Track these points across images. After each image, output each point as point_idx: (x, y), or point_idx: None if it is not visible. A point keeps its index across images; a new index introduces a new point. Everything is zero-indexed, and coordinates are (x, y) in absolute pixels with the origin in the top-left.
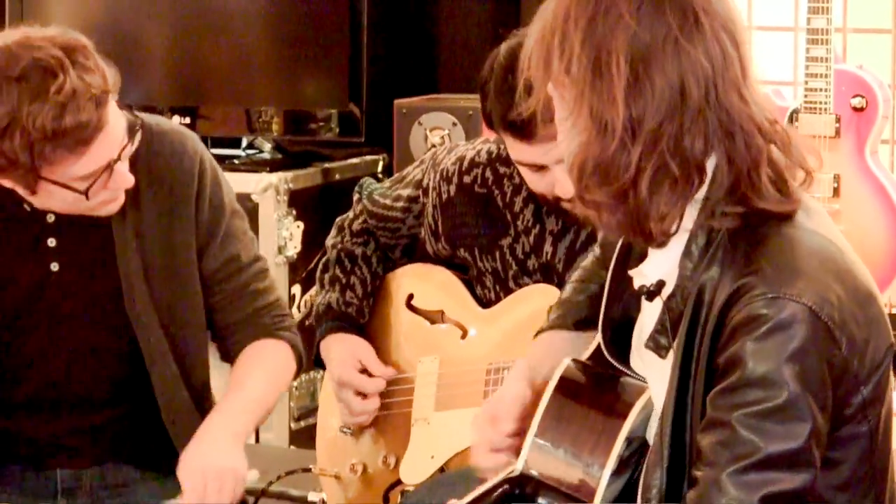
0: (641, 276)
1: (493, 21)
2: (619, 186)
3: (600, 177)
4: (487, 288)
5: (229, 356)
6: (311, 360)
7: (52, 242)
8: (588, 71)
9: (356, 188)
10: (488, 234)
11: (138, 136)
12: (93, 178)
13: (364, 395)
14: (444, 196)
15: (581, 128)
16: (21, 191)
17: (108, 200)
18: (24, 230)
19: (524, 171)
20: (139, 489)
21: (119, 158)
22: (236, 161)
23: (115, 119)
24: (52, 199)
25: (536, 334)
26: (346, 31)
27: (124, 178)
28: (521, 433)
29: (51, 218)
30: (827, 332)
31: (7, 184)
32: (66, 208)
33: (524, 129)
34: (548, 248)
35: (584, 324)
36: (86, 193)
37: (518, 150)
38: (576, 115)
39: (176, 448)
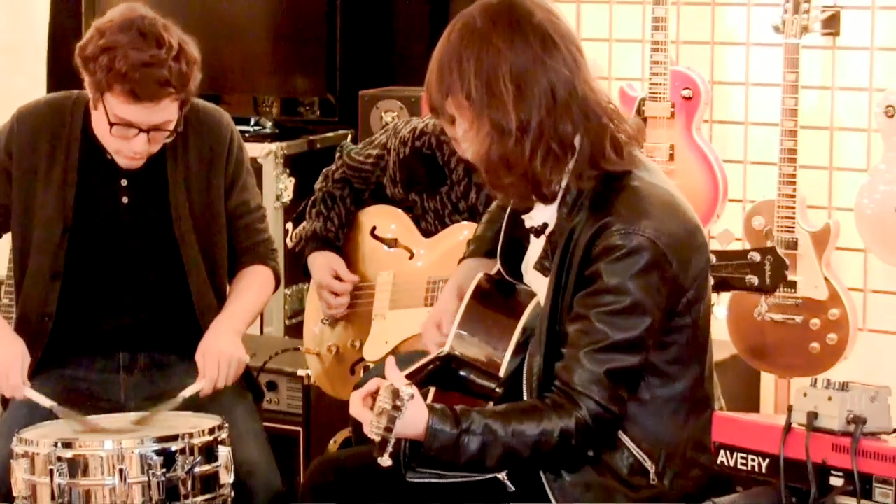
0: (531, 219)
1: (431, 34)
2: (521, 169)
3: (506, 166)
4: (429, 222)
5: (231, 273)
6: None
7: (123, 182)
8: (484, 93)
9: (338, 148)
10: (432, 183)
11: (171, 138)
12: (122, 124)
13: (336, 294)
14: (402, 155)
15: (484, 134)
16: (91, 98)
17: (128, 156)
18: (104, 172)
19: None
20: (177, 367)
21: (147, 131)
22: (247, 135)
23: (170, 111)
24: (98, 123)
25: (460, 261)
26: (324, 41)
27: (142, 147)
28: None
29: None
30: (663, 256)
31: (89, 89)
32: (101, 135)
33: None
34: (473, 195)
35: (492, 253)
36: (110, 127)
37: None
38: (478, 126)
39: (204, 333)
